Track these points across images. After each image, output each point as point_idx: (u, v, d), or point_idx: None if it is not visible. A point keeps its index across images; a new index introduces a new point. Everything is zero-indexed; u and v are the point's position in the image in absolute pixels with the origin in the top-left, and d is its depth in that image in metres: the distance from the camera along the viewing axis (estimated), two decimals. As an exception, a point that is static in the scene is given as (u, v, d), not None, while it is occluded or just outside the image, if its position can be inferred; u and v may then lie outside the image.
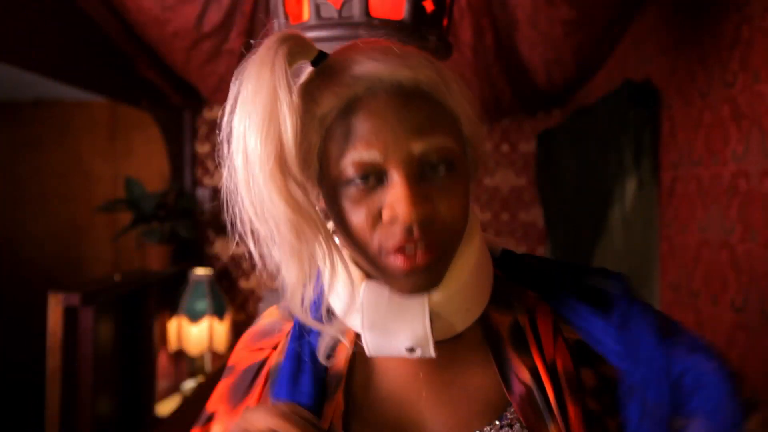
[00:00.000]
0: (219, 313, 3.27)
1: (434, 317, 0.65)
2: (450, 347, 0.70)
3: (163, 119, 3.47)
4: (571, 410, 0.66)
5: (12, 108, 3.93)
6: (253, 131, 0.57)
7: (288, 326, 0.75)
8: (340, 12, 1.20)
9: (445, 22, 1.30)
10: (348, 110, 0.62)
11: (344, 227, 0.63)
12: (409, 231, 0.59)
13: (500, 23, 2.30)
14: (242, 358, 0.77)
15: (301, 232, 0.60)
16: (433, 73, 0.64)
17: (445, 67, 0.67)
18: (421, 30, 1.22)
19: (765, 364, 1.39)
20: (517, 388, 0.67)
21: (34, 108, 3.94)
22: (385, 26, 1.18)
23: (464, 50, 2.43)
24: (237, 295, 3.64)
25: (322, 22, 1.21)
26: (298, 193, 0.59)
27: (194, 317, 3.22)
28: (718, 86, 1.62)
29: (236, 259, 3.65)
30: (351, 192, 0.61)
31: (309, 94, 0.63)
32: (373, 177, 0.61)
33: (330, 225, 0.68)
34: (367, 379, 0.70)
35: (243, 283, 3.65)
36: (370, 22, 1.19)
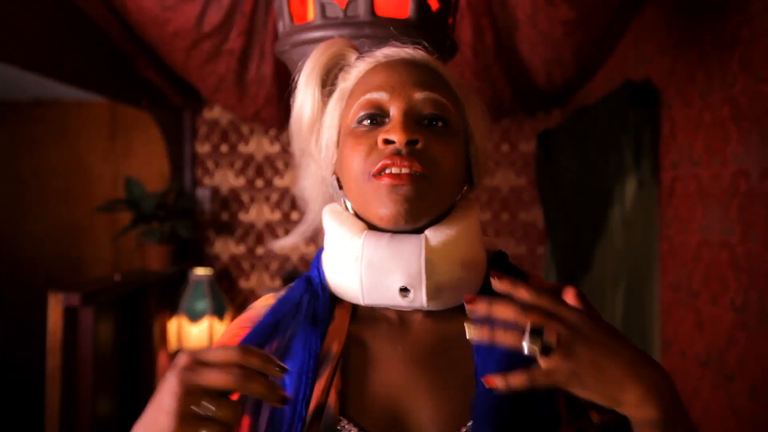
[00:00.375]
0: (219, 313, 3.27)
1: (428, 264, 0.68)
2: (445, 334, 0.72)
3: (163, 119, 3.47)
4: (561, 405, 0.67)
5: (12, 108, 3.93)
6: (294, 113, 0.80)
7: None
8: (345, 11, 1.20)
9: (450, 20, 1.31)
10: (368, 72, 0.76)
11: (346, 166, 0.72)
12: (397, 152, 0.68)
13: (500, 23, 2.30)
14: (236, 340, 0.75)
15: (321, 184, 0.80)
16: (446, 66, 0.77)
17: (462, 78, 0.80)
18: (426, 29, 1.22)
19: (765, 364, 1.39)
20: None
21: (34, 108, 3.94)
22: (390, 25, 1.18)
23: (464, 50, 2.43)
24: (237, 295, 3.64)
25: (327, 22, 1.21)
26: (318, 158, 0.78)
27: (194, 317, 3.22)
28: (718, 86, 1.62)
29: (236, 259, 3.65)
30: (358, 131, 0.72)
31: (344, 72, 0.79)
32: (379, 118, 0.72)
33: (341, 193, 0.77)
34: (362, 362, 0.71)
35: (243, 283, 3.65)
36: (375, 21, 1.19)
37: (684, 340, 1.81)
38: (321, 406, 0.67)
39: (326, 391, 0.68)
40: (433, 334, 0.72)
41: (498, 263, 0.78)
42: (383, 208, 0.68)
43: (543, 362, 0.55)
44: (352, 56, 0.80)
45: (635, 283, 2.12)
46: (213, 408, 0.55)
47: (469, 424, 0.66)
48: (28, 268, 3.89)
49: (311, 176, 0.81)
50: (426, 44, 0.79)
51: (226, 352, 0.57)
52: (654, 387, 0.56)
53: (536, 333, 0.55)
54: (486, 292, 0.72)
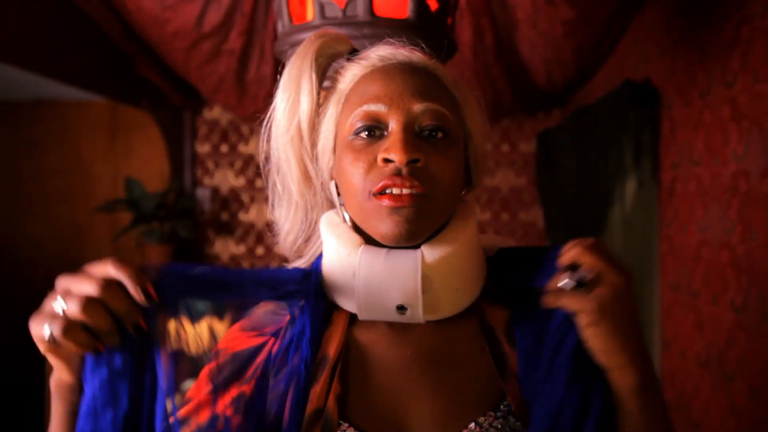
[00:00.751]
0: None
1: (425, 281, 0.67)
2: (446, 338, 0.71)
3: (163, 119, 3.47)
4: None
5: (12, 108, 3.93)
6: (281, 108, 0.74)
7: (288, 317, 0.75)
8: (344, 11, 1.21)
9: (449, 20, 1.31)
10: (364, 77, 0.73)
11: (344, 180, 0.71)
12: (398, 171, 0.66)
13: (500, 23, 2.30)
14: (235, 342, 0.75)
15: (304, 191, 0.75)
16: (443, 67, 0.75)
17: (458, 76, 0.78)
18: (425, 28, 1.22)
19: (765, 364, 1.39)
20: (512, 382, 0.69)
21: (34, 108, 3.94)
22: (389, 25, 1.19)
23: (464, 50, 2.43)
24: (237, 295, 3.64)
25: (326, 22, 1.21)
26: (308, 161, 0.74)
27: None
28: (718, 86, 1.62)
29: (236, 259, 3.65)
30: (356, 144, 0.70)
31: (337, 73, 0.76)
32: (377, 131, 0.70)
33: (338, 200, 0.75)
34: (362, 367, 0.71)
35: (243, 283, 3.65)
36: (374, 21, 1.19)
37: (684, 340, 1.81)
38: (319, 410, 0.67)
39: (324, 395, 0.68)
40: (433, 337, 0.72)
41: (500, 263, 0.77)
42: (384, 228, 0.67)
43: (574, 296, 0.62)
44: (344, 49, 0.77)
45: (635, 283, 2.11)
46: (63, 303, 0.58)
47: (471, 425, 0.66)
48: (28, 268, 3.89)
49: (298, 181, 0.76)
50: (422, 43, 0.77)
51: (103, 267, 0.61)
52: (639, 357, 0.64)
53: (574, 269, 0.63)
54: (485, 296, 0.73)
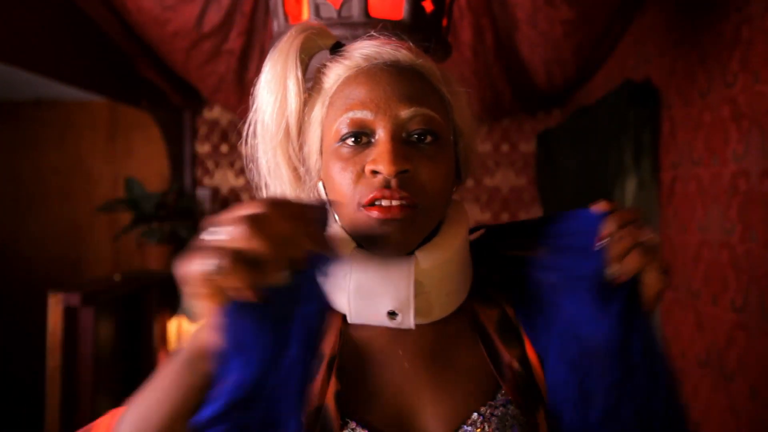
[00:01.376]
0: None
1: (418, 286, 0.68)
2: (440, 334, 0.72)
3: (163, 119, 3.47)
4: None
5: (12, 108, 3.93)
6: (267, 110, 0.72)
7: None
8: (339, 12, 1.21)
9: (444, 22, 1.31)
10: (349, 79, 0.71)
11: (333, 187, 0.69)
12: (386, 183, 0.65)
13: (500, 23, 2.30)
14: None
15: (296, 192, 0.74)
16: (431, 63, 0.73)
17: (447, 68, 0.76)
18: (420, 30, 1.22)
19: (765, 364, 1.39)
20: (508, 375, 0.71)
21: (34, 108, 3.94)
22: (384, 26, 1.19)
23: (464, 50, 2.43)
24: (237, 295, 3.63)
25: (321, 22, 1.21)
26: (297, 163, 0.73)
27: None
28: (718, 86, 1.62)
29: (236, 259, 3.65)
30: (342, 151, 0.68)
31: (321, 72, 0.74)
32: (364, 137, 0.68)
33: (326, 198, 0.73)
34: (359, 364, 0.71)
35: (243, 283, 3.64)
36: (369, 22, 1.19)
37: (684, 340, 1.81)
38: (318, 408, 0.67)
39: (323, 393, 0.67)
40: (429, 334, 0.72)
41: (484, 254, 0.78)
42: (372, 239, 0.67)
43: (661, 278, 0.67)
44: (327, 43, 0.75)
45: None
46: (223, 230, 0.47)
47: (474, 416, 0.68)
48: (28, 268, 3.89)
49: (286, 180, 0.75)
50: (406, 39, 0.74)
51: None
52: None
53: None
54: (475, 296, 0.75)
